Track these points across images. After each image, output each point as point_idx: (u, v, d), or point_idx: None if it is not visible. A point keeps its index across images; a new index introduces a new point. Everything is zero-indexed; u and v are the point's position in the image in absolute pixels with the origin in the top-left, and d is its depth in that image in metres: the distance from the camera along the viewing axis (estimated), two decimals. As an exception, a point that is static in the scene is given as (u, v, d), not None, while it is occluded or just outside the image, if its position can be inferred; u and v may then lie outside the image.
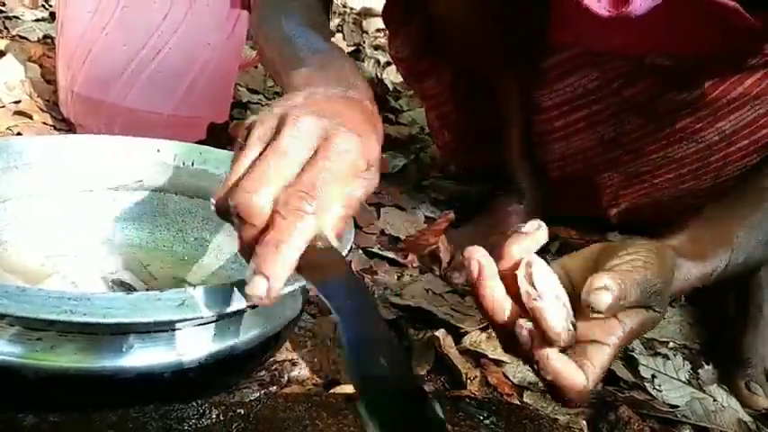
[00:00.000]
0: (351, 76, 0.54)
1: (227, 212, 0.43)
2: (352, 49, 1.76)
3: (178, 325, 0.51)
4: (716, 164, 0.90)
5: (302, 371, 0.63)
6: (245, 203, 0.41)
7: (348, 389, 0.60)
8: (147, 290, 0.71)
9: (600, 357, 0.42)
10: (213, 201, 0.45)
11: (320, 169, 0.41)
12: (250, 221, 0.41)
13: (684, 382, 0.72)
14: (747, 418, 0.69)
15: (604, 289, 0.39)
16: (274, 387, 0.60)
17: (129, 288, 0.71)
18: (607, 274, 0.40)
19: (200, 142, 1.02)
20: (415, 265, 0.89)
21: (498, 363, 0.70)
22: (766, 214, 0.57)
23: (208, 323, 0.53)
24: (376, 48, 1.77)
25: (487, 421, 0.53)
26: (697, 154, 0.90)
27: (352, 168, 0.42)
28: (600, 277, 0.40)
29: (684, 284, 0.50)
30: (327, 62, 0.55)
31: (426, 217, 1.00)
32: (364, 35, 1.84)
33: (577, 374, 0.41)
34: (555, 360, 0.40)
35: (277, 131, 0.43)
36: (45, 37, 1.34)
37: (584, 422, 0.61)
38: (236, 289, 0.51)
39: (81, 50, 0.94)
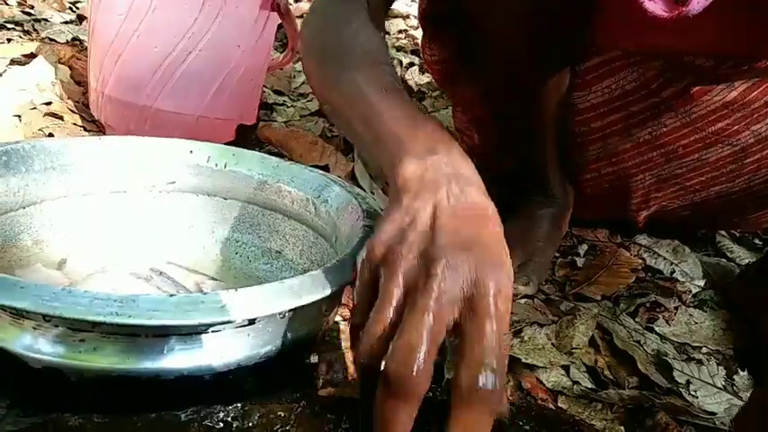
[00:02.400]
0: (455, 151, 0.50)
1: (371, 370, 0.40)
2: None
3: (218, 327, 0.51)
4: (750, 167, 0.89)
5: (337, 373, 0.63)
6: (402, 378, 0.37)
7: (384, 392, 0.60)
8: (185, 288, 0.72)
9: None
10: (353, 353, 0.42)
11: (490, 336, 0.38)
12: (405, 400, 0.38)
13: (720, 388, 0.71)
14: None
15: None
16: (310, 390, 0.60)
17: (168, 278, 0.72)
18: None
19: (230, 144, 1.02)
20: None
21: (532, 367, 0.70)
22: None
23: (248, 325, 0.53)
24: (398, 49, 1.77)
25: (527, 427, 0.52)
26: (731, 156, 0.89)
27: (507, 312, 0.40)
28: None
29: None
30: (425, 134, 0.50)
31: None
32: (386, 36, 1.84)
33: None
34: None
35: (423, 275, 0.40)
36: (74, 39, 1.35)
37: (622, 427, 0.61)
38: (280, 289, 0.52)
39: (112, 53, 0.95)
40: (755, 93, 0.83)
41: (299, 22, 1.80)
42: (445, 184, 0.46)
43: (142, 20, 0.92)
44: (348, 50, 0.64)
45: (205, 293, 0.49)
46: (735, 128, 0.86)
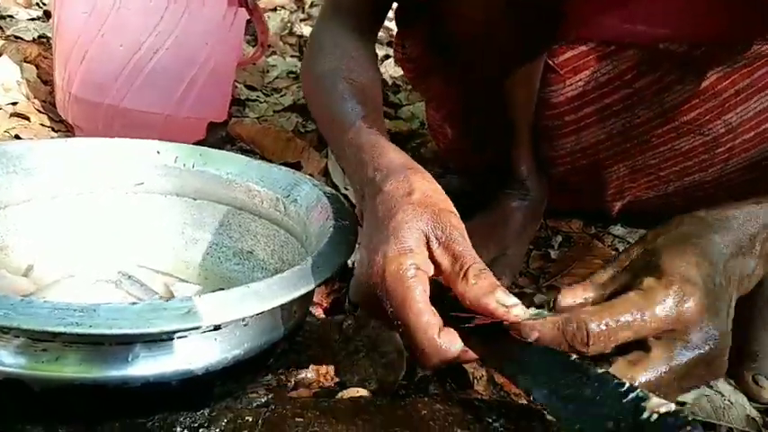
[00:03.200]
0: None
1: None
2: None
3: (184, 333, 0.50)
4: (722, 156, 0.90)
5: (309, 374, 0.63)
6: None
7: (354, 392, 0.60)
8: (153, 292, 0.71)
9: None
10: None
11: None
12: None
13: (692, 378, 0.72)
14: (755, 414, 0.68)
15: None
16: (282, 392, 0.59)
17: (137, 282, 0.71)
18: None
19: (200, 142, 1.01)
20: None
21: (505, 362, 0.70)
22: None
23: (214, 330, 0.52)
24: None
25: (497, 424, 0.52)
26: (704, 146, 0.89)
27: None
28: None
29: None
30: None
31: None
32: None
33: None
34: None
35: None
36: (40, 37, 1.33)
37: (594, 422, 0.61)
38: (246, 294, 0.51)
39: (77, 52, 0.93)
40: (726, 82, 0.84)
41: (269, 15, 1.79)
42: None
43: (107, 18, 0.91)
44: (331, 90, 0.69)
45: (168, 300, 0.49)
46: (706, 117, 0.87)
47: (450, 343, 0.46)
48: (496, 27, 0.78)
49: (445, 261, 0.48)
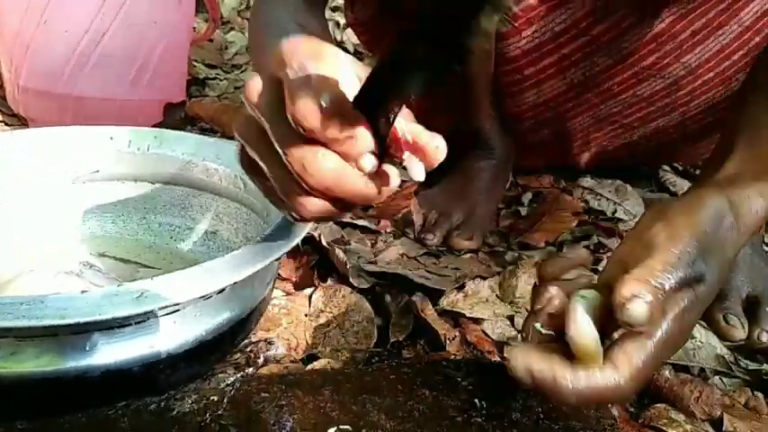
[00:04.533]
0: None
1: None
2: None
3: (141, 318, 0.50)
4: (683, 99, 0.89)
5: (279, 349, 0.62)
6: None
7: (325, 363, 0.60)
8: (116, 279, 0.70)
9: (635, 355, 0.38)
10: None
11: None
12: None
13: (663, 322, 0.72)
14: (725, 352, 0.69)
15: (636, 298, 0.37)
16: (251, 369, 0.59)
17: (99, 271, 0.70)
18: (634, 280, 0.37)
19: (159, 124, 0.99)
20: (388, 230, 0.88)
21: (476, 321, 0.70)
22: None
23: (173, 312, 0.51)
24: (334, 9, 1.73)
25: (465, 382, 0.52)
26: (664, 90, 0.89)
27: None
28: (627, 286, 0.37)
29: (756, 217, 0.45)
30: None
31: (397, 180, 0.98)
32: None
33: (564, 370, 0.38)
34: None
35: None
36: (-12, 29, 1.29)
37: (565, 373, 0.61)
38: (199, 273, 0.50)
39: (20, 41, 0.90)
40: (682, 24, 0.83)
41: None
42: None
43: (47, 4, 0.88)
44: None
45: (119, 286, 0.48)
46: (665, 61, 0.86)
47: None
48: None
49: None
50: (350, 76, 0.39)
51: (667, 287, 0.38)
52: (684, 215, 0.42)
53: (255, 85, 0.39)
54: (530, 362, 0.38)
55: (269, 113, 0.38)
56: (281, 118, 0.37)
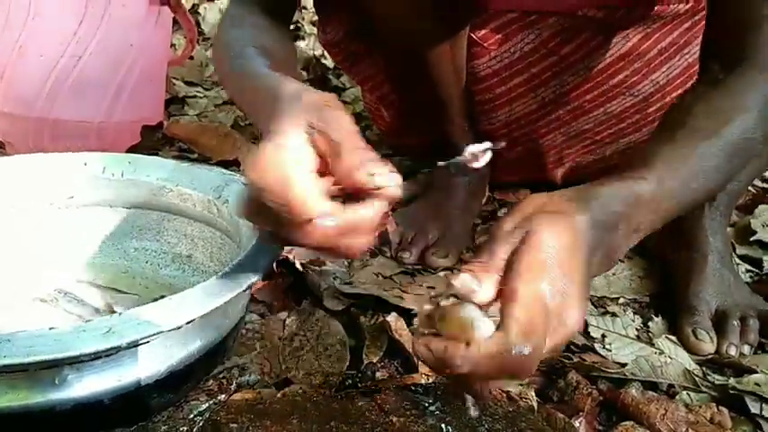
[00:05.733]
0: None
1: None
2: (291, 27, 1.72)
3: (111, 350, 0.50)
4: (654, 115, 0.91)
5: (252, 375, 0.63)
6: None
7: (297, 388, 0.61)
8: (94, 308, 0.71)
9: (518, 313, 0.39)
10: None
11: None
12: None
13: (633, 339, 0.74)
14: (694, 367, 0.70)
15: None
16: (223, 395, 0.59)
17: (74, 298, 0.71)
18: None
19: (137, 146, 1.00)
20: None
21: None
22: (692, 136, 0.55)
23: (143, 343, 0.52)
24: (315, 24, 1.73)
25: (433, 407, 0.53)
26: (635, 107, 0.90)
27: None
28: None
29: (612, 216, 0.47)
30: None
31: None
32: (303, 11, 1.80)
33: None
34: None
35: None
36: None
37: (532, 393, 0.62)
38: (168, 305, 0.51)
39: (-4, 66, 0.91)
40: (648, 43, 0.84)
41: (207, 7, 1.76)
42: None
43: (22, 29, 0.88)
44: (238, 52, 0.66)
45: (87, 321, 0.48)
46: (633, 79, 0.87)
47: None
48: (413, 6, 0.78)
49: (323, 146, 0.45)
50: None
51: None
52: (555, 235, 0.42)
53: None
54: (428, 342, 0.40)
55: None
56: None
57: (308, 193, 0.44)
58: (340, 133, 0.45)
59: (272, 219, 0.45)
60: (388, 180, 0.44)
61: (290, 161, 0.44)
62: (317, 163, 0.45)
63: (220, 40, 0.74)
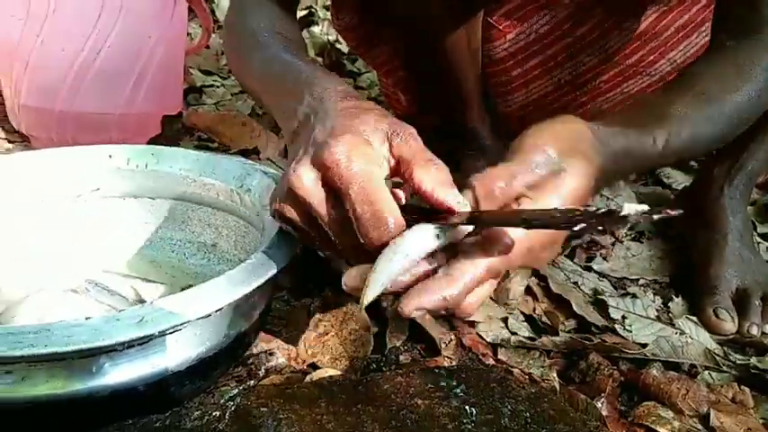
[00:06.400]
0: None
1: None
2: (305, 12, 1.73)
3: (144, 339, 0.52)
4: (671, 94, 0.90)
5: (279, 360, 0.65)
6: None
7: (324, 373, 0.62)
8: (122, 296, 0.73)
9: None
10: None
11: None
12: None
13: (653, 319, 0.74)
14: (715, 346, 0.71)
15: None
16: (252, 381, 0.61)
17: (104, 288, 0.72)
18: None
19: (157, 136, 1.01)
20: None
21: (471, 324, 0.72)
22: (704, 95, 0.58)
23: (174, 332, 0.53)
24: (328, 8, 1.73)
25: (458, 389, 0.54)
26: (652, 87, 0.90)
27: None
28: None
29: (614, 154, 0.50)
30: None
31: (394, 183, 1.00)
32: (314, -2, 1.80)
33: None
34: None
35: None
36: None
37: (554, 374, 0.63)
38: (198, 294, 0.52)
39: (19, 61, 0.92)
40: (665, 21, 0.84)
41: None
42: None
43: (43, 23, 0.89)
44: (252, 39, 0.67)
45: (120, 311, 0.50)
46: (650, 58, 0.87)
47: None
48: None
49: (405, 152, 0.46)
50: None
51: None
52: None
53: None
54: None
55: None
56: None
57: (391, 199, 0.45)
58: (421, 144, 0.47)
59: (335, 215, 0.47)
60: (465, 209, 0.44)
61: (376, 158, 0.45)
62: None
63: (233, 28, 0.75)
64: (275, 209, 0.51)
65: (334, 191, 0.46)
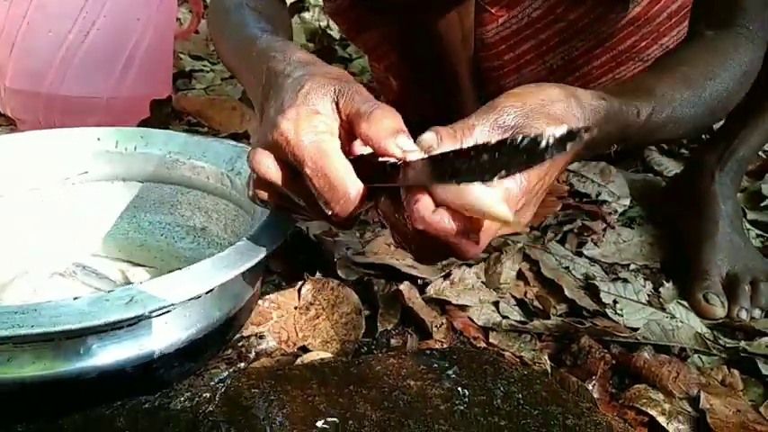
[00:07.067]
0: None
1: None
2: (296, -2, 1.71)
3: (133, 320, 0.51)
4: (663, 80, 0.90)
5: (270, 343, 0.64)
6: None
7: (315, 356, 0.62)
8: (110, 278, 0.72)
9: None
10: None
11: None
12: None
13: (645, 304, 0.74)
14: (705, 331, 0.71)
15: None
16: (242, 364, 0.61)
17: (92, 272, 0.72)
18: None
19: (146, 120, 1.00)
20: (376, 219, 0.89)
21: (463, 308, 0.72)
22: (688, 75, 0.59)
23: (164, 313, 0.53)
24: (320, -5, 1.72)
25: (450, 371, 0.54)
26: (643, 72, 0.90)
27: None
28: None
29: (596, 117, 0.49)
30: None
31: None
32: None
33: None
34: None
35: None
36: (-28, 27, 1.28)
37: (545, 357, 0.63)
38: (187, 275, 0.52)
39: (4, 43, 0.91)
40: (657, 7, 0.84)
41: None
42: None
43: (29, 5, 0.88)
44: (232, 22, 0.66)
45: (109, 292, 0.49)
46: (643, 44, 0.87)
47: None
48: None
49: (351, 109, 0.45)
50: None
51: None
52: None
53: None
54: None
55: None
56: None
57: (346, 168, 0.43)
58: (368, 101, 0.45)
59: (302, 190, 0.45)
60: (414, 157, 0.43)
61: (325, 127, 0.44)
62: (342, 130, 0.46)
63: (213, 7, 0.74)
64: (250, 194, 0.51)
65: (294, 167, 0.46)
